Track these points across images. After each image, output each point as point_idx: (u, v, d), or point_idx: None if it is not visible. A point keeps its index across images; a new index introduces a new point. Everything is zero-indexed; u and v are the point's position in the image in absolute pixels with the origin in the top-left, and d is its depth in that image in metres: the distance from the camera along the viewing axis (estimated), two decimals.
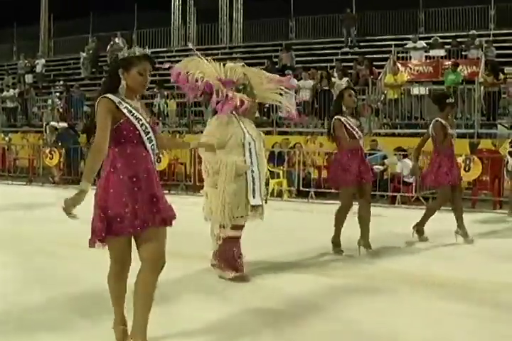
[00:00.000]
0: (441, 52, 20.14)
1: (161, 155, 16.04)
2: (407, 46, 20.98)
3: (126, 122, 4.09)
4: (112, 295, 4.37)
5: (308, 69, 20.10)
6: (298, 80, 18.97)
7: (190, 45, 6.64)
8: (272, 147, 15.07)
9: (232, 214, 6.28)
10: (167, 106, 20.66)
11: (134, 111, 4.12)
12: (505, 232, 10.28)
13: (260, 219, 6.60)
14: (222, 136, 6.30)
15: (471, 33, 20.88)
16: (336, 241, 7.96)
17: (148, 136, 4.17)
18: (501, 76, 17.54)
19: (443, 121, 8.97)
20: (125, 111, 4.08)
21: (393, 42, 21.95)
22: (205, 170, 6.59)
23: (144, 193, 4.08)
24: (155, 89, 21.32)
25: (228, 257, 6.49)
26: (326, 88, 18.03)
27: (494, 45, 20.46)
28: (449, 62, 18.75)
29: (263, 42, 25.67)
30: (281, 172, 14.83)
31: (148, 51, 4.31)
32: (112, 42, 26.53)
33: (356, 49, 23.64)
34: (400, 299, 5.87)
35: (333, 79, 18.34)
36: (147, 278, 4.17)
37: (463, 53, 20.18)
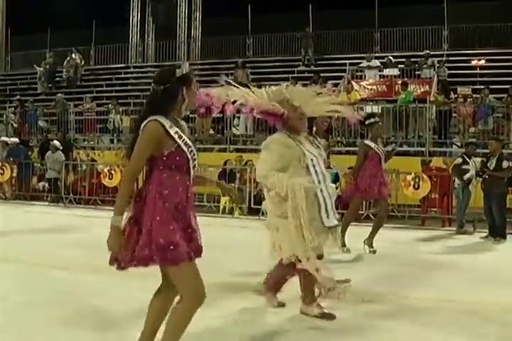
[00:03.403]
0: (395, 72, 20.39)
1: (112, 172, 15.99)
2: (362, 65, 21.19)
3: (178, 149, 3.88)
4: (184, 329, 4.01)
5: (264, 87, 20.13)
6: None
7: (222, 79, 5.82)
8: (225, 164, 15.08)
9: (313, 243, 5.56)
10: (122, 122, 20.56)
11: (183, 137, 3.92)
12: (453, 249, 10.39)
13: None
14: (282, 160, 5.60)
15: (424, 52, 21.14)
16: None
17: (194, 164, 3.97)
18: (452, 95, 17.84)
19: (371, 144, 9.47)
20: (176, 136, 3.87)
21: (348, 61, 22.16)
22: (271, 200, 5.73)
23: (185, 222, 3.93)
24: (110, 105, 21.27)
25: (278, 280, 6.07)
26: None
27: (447, 65, 20.81)
28: (406, 80, 19.01)
29: (220, 60, 25.73)
30: (232, 189, 14.75)
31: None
32: (68, 58, 26.40)
33: (313, 67, 23.83)
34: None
35: None
36: (189, 311, 4.00)
37: (416, 73, 20.44)
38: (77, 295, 6.46)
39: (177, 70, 3.99)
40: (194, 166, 3.98)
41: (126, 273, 7.31)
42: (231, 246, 9.43)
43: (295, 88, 6.18)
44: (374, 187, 9.37)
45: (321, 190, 5.58)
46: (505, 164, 11.51)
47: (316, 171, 5.63)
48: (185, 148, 3.90)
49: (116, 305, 6.06)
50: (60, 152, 17.35)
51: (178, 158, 3.88)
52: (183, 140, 3.90)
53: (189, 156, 3.92)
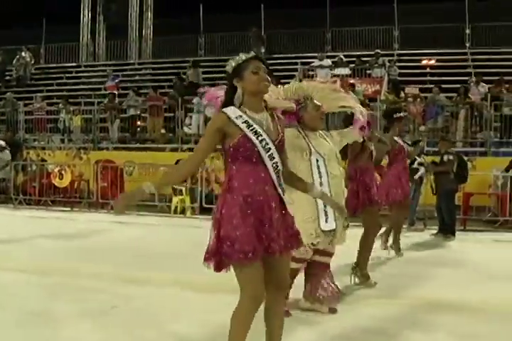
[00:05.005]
0: (346, 71, 20.52)
1: (63, 172, 15.85)
2: (314, 64, 21.28)
3: (243, 138, 3.77)
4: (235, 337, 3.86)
5: (217, 86, 20.13)
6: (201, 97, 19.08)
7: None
8: (176, 163, 15.00)
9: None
10: (72, 121, 20.36)
11: (254, 126, 3.81)
12: (404, 246, 10.42)
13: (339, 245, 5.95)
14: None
15: (375, 52, 21.30)
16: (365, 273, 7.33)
17: (269, 154, 3.82)
18: (402, 94, 18.05)
19: (394, 137, 8.94)
20: (243, 125, 3.78)
21: (300, 60, 22.25)
22: None
23: (257, 217, 3.76)
24: (60, 105, 21.05)
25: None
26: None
27: (397, 64, 21.07)
28: (354, 81, 19.15)
29: (172, 59, 25.62)
30: (183, 189, 14.75)
31: (253, 53, 4.00)
32: (18, 56, 26.04)
33: None
34: None
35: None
36: (274, 301, 4.00)
37: (367, 72, 20.61)
38: (26, 297, 6.39)
39: (227, 66, 3.96)
40: (271, 156, 3.84)
41: (78, 275, 7.34)
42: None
43: (312, 84, 6.16)
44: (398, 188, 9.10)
45: None
46: (445, 158, 11.70)
47: (319, 172, 5.57)
48: (253, 137, 3.79)
49: (65, 306, 5.99)
50: (7, 151, 17.14)
51: (241, 149, 3.78)
52: (253, 129, 3.80)
53: (258, 145, 3.80)
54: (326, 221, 5.52)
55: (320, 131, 5.92)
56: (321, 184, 5.51)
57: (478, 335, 5.39)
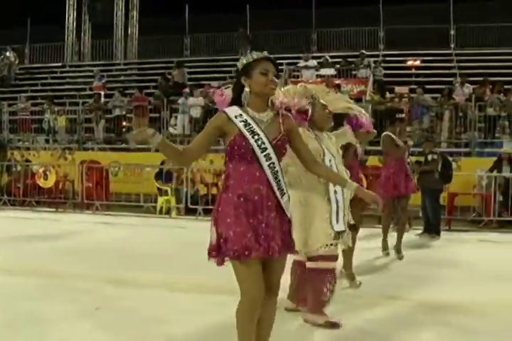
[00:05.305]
0: (332, 71, 20.56)
1: (48, 172, 15.78)
2: (299, 65, 21.29)
3: (238, 136, 3.78)
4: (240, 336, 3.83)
5: (202, 86, 20.20)
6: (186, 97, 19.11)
7: None
8: (162, 164, 15.00)
9: (319, 242, 5.49)
10: (57, 122, 20.26)
11: (252, 125, 3.82)
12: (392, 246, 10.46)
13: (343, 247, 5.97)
14: None
15: (360, 52, 21.34)
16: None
17: (264, 154, 3.79)
18: (388, 95, 18.10)
19: (392, 135, 9.11)
20: (240, 124, 3.79)
21: (286, 61, 22.25)
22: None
23: (254, 216, 3.75)
24: (45, 105, 20.96)
25: (315, 292, 5.63)
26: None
27: (383, 65, 21.11)
28: (339, 81, 19.16)
29: (158, 59, 25.57)
30: (169, 190, 14.74)
31: (266, 53, 3.91)
32: (2, 56, 25.92)
33: None
34: None
35: None
36: (264, 306, 3.86)
37: (352, 72, 20.64)
38: (12, 298, 6.34)
39: (238, 63, 3.92)
40: (267, 156, 3.81)
41: (64, 276, 7.29)
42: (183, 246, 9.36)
43: (313, 86, 6.16)
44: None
45: (335, 192, 5.49)
46: (429, 157, 11.76)
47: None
48: (248, 136, 3.78)
49: (52, 307, 5.95)
50: None
51: (236, 147, 3.78)
52: (250, 128, 3.80)
53: (254, 144, 3.78)
54: (337, 222, 5.53)
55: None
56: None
57: (471, 334, 5.43)
